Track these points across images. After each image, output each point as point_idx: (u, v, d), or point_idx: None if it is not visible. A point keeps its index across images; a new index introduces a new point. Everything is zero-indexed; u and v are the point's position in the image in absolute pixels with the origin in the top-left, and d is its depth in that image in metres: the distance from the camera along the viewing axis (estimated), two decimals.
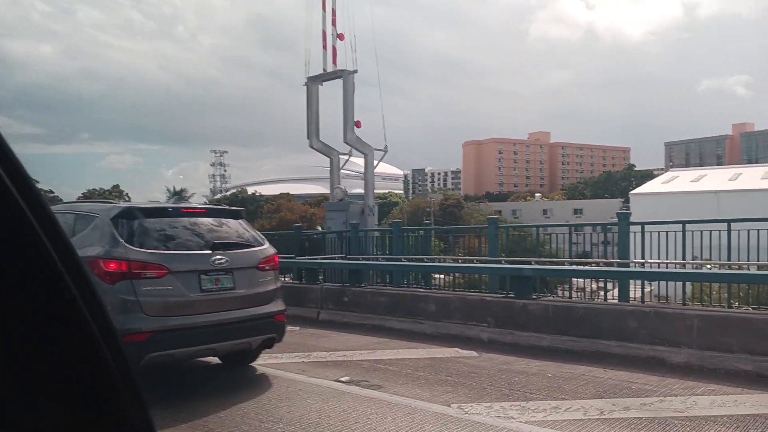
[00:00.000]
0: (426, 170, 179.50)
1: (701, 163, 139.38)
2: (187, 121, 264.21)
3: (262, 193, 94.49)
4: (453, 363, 7.73)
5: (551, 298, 10.02)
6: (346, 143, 16.35)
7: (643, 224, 9.78)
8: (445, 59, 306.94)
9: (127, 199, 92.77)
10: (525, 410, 5.58)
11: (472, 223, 51.95)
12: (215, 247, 6.41)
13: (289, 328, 8.80)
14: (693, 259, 9.04)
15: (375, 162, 16.59)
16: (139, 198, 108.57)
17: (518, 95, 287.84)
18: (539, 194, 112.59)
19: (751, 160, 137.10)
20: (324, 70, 17.11)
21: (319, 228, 20.33)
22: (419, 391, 6.33)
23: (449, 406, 5.75)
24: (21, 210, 0.68)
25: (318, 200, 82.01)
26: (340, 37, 16.90)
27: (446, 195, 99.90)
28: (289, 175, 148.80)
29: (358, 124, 15.96)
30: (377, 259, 13.06)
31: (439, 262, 12.84)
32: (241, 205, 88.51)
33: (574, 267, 10.07)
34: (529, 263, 10.28)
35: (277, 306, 6.88)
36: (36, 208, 0.70)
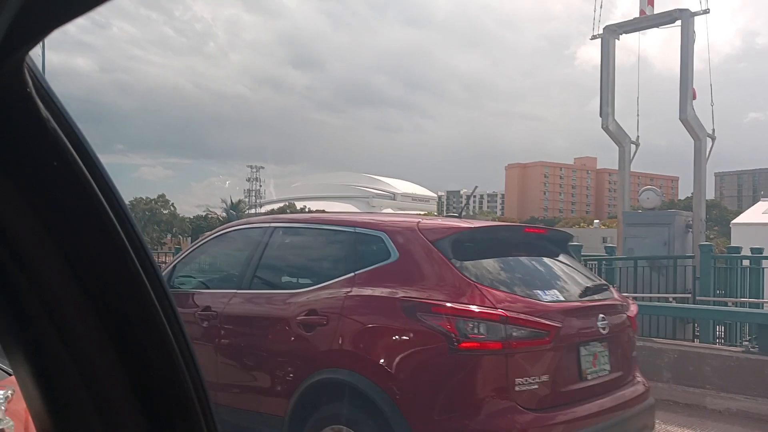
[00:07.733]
0: (461, 192, 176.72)
1: (754, 195, 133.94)
2: (216, 136, 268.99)
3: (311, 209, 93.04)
4: None
5: None
6: (684, 121, 10.70)
7: None
8: (470, 81, 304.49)
9: (173, 208, 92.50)
10: None
11: None
12: None
13: None
14: None
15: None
16: (181, 209, 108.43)
17: (557, 120, 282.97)
18: (598, 221, 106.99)
19: None
20: (641, 12, 11.55)
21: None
22: None
23: None
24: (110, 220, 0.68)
25: None
26: None
27: (499, 218, 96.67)
28: (317, 193, 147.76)
29: (694, 94, 10.80)
30: None
31: None
32: None
33: None
34: None
35: None
36: (120, 214, 0.70)
